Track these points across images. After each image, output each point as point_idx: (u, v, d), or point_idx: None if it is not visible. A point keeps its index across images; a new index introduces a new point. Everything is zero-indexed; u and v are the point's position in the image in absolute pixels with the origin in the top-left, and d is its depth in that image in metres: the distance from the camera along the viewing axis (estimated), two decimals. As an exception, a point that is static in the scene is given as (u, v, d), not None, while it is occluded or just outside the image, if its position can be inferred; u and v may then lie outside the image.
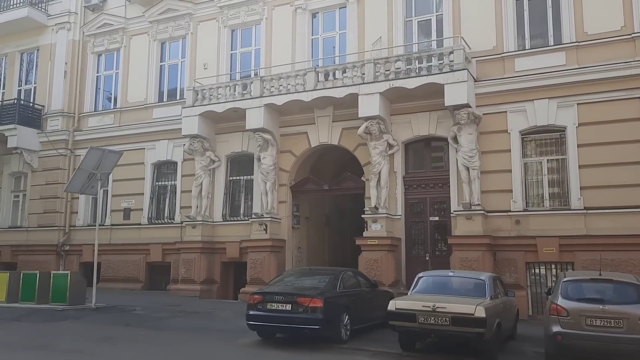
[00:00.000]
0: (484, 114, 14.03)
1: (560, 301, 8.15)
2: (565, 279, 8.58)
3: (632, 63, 12.99)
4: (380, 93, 14.62)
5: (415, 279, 9.93)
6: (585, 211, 13.03)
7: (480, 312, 8.29)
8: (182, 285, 16.87)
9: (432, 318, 8.46)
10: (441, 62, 14.15)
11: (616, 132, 12.93)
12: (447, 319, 8.38)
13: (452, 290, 9.40)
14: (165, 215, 18.63)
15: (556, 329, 8.00)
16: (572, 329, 7.89)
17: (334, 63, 16.45)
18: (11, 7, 21.21)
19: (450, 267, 13.27)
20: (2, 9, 21.32)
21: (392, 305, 8.91)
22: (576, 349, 7.95)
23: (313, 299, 9.41)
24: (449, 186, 14.54)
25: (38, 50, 21.48)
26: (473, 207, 13.63)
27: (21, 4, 21.09)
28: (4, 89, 22.05)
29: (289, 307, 9.45)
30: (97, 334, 10.35)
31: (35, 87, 21.39)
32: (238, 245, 16.57)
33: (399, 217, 14.99)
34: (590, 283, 8.46)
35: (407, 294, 10.79)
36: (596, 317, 7.83)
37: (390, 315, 8.87)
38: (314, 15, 17.30)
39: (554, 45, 14.01)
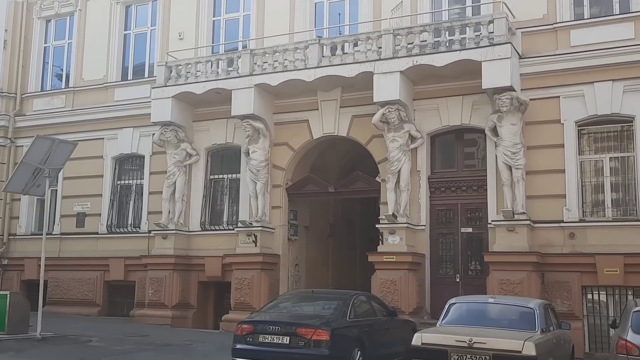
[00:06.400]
0: (530, 100, 13.94)
1: (631, 336, 8.13)
2: (636, 309, 8.54)
3: None
4: (400, 72, 14.54)
5: (446, 307, 9.90)
6: (658, 223, 13.01)
7: (530, 349, 8.24)
8: (149, 310, 16.80)
9: (469, 356, 8.42)
10: (478, 33, 14.08)
11: (698, 123, 12.88)
12: (488, 357, 8.33)
13: (493, 321, 9.37)
14: (129, 222, 18.58)
15: (626, 371, 7.94)
16: (646, 371, 7.83)
17: (343, 34, 16.37)
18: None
19: (487, 291, 13.24)
20: None
21: (418, 339, 8.88)
22: (650, 396, 7.88)
23: (317, 330, 9.37)
24: (486, 190, 14.46)
25: (-30, 14, 21.40)
26: (516, 216, 13.57)
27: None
28: None
29: (286, 340, 9.41)
30: (44, 371, 10.24)
31: (-34, 61, 21.30)
32: (220, 261, 16.49)
33: (423, 227, 14.93)
34: (668, 314, 8.39)
35: (433, 324, 10.80)
36: (676, 356, 7.76)
37: (416, 352, 8.84)
38: (318, -26, 17.27)
39: (619, 14, 13.93)
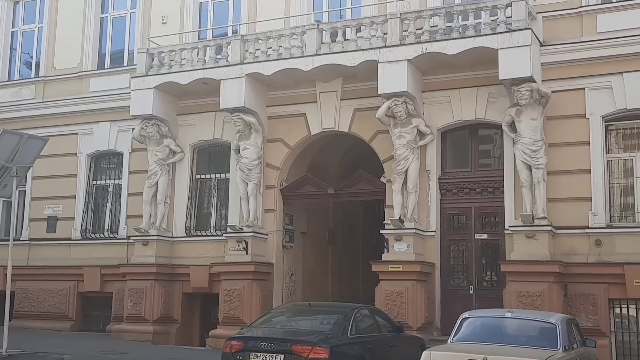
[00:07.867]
0: (552, 92, 13.95)
1: (663, 355, 8.15)
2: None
3: None
4: (408, 61, 14.57)
5: (458, 321, 9.90)
6: (693, 229, 13.08)
7: (551, 369, 8.27)
8: (128, 325, 16.82)
9: (483, 376, 8.43)
10: (494, 18, 14.13)
11: None
12: (504, 377, 8.36)
13: (510, 338, 9.38)
14: (106, 227, 18.64)
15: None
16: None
17: (344, 18, 16.45)
18: None
19: (504, 304, 13.26)
20: None
21: (427, 357, 8.87)
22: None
23: (315, 347, 9.42)
24: (503, 192, 14.52)
25: None
26: (536, 222, 13.59)
27: None
28: None
29: (280, 358, 9.47)
30: (11, 392, 10.26)
31: None
32: (207, 271, 16.52)
33: (433, 233, 14.98)
34: None
35: (444, 341, 10.84)
36: None
37: (424, 372, 8.85)
38: (316, -49, 17.34)
39: (652, -3, 14.02)
